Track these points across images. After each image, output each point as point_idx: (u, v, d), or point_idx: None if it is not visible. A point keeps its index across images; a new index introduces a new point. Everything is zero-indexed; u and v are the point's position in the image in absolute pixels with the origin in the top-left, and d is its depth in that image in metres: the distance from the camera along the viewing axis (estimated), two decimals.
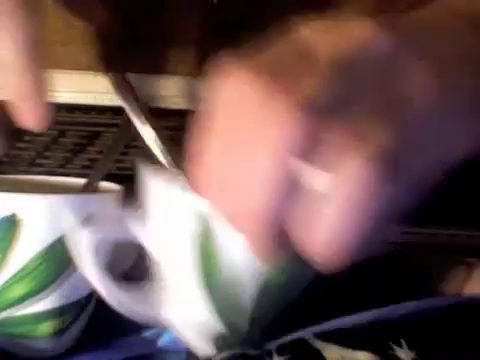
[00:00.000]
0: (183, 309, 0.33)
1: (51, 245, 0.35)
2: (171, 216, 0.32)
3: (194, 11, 0.50)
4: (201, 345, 0.33)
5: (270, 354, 0.31)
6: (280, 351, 0.31)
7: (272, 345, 0.31)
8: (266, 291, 0.30)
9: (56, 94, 0.52)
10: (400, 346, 0.32)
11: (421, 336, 0.33)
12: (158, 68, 0.52)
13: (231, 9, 0.49)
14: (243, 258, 0.29)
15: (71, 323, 0.37)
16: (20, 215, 0.34)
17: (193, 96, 0.52)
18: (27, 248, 0.35)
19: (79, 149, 0.53)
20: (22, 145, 0.53)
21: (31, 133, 0.53)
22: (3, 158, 0.53)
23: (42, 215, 0.35)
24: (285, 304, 0.31)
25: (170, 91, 0.52)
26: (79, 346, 0.36)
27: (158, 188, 0.32)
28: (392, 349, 0.32)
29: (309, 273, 0.31)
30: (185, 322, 0.33)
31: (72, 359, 0.37)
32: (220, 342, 0.32)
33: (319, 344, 0.31)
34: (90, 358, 0.36)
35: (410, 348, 0.32)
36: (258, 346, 0.32)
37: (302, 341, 0.31)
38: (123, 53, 0.51)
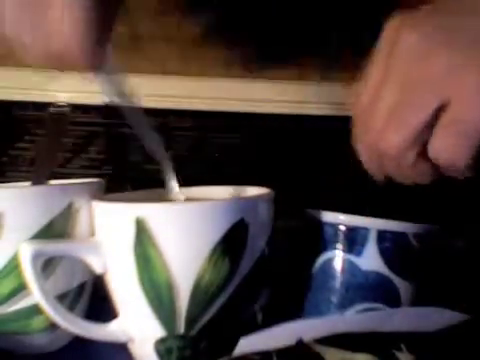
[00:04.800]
0: (129, 318, 0.34)
1: (35, 236, 0.34)
2: (110, 225, 0.33)
3: (194, 11, 0.50)
4: (148, 354, 0.34)
5: (270, 358, 0.31)
6: (280, 355, 0.31)
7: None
8: (199, 291, 0.32)
9: (56, 94, 0.52)
10: (400, 350, 0.32)
11: (421, 340, 0.33)
12: (158, 68, 0.52)
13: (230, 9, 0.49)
14: (177, 259, 0.31)
15: None
16: (1, 209, 0.34)
17: (193, 96, 0.52)
18: (11, 241, 0.34)
19: (79, 149, 0.53)
20: (22, 145, 0.53)
21: (31, 133, 0.53)
22: (3, 158, 0.53)
23: (24, 207, 0.34)
24: (219, 304, 0.32)
25: (171, 91, 0.52)
26: (77, 342, 0.36)
27: (98, 202, 0.34)
28: (392, 352, 0.32)
29: (243, 271, 0.33)
30: (132, 332, 0.34)
31: (68, 354, 0.37)
32: (161, 347, 0.33)
33: (319, 348, 0.32)
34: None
35: (410, 352, 0.32)
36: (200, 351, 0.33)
37: (302, 345, 0.31)
38: (123, 53, 0.51)
